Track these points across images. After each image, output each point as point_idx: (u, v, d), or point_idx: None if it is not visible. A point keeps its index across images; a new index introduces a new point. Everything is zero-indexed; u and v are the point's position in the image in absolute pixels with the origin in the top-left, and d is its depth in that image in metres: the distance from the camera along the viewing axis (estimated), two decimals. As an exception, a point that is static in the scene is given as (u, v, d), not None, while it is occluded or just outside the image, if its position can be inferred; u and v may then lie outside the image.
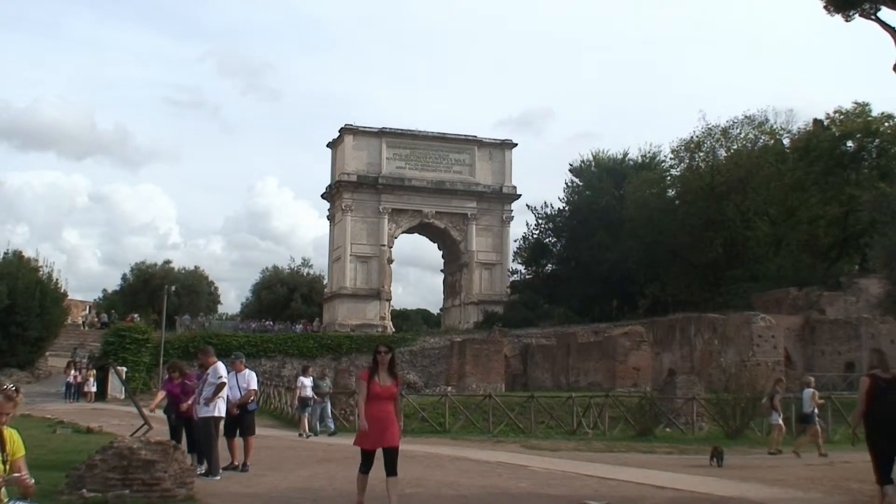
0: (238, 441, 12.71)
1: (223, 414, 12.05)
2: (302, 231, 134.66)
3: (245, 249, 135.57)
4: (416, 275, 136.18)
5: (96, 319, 62.02)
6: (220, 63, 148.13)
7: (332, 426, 22.10)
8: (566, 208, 63.88)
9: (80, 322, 55.49)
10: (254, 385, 12.95)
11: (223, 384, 12.04)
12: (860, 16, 15.58)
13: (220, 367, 12.13)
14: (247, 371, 12.97)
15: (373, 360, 8.91)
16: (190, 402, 12.39)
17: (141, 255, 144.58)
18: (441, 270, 69.95)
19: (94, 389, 35.74)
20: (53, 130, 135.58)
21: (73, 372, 37.35)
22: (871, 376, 9.39)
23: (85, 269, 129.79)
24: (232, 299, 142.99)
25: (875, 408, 9.07)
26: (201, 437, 11.90)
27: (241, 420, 12.59)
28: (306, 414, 21.64)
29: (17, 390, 5.13)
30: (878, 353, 10.06)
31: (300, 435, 20.77)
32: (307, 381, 21.96)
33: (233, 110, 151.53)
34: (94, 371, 36.08)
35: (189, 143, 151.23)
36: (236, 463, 12.53)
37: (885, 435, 8.97)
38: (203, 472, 11.78)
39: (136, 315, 55.40)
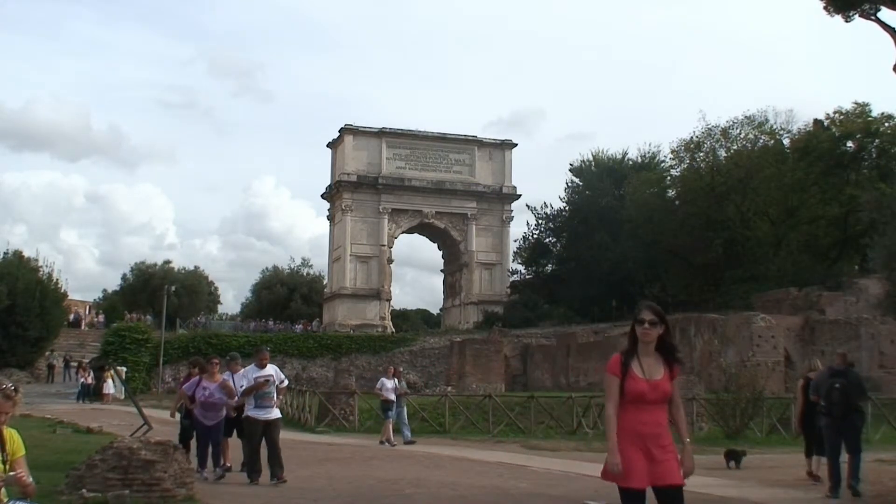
0: (228, 441, 12.66)
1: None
2: (299, 231, 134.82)
3: (242, 250, 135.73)
4: (413, 275, 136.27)
5: (96, 318, 62.00)
6: (216, 64, 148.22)
7: (408, 434, 19.71)
8: (566, 208, 63.85)
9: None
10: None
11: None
12: (860, 16, 15.57)
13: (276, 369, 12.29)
14: (243, 370, 12.84)
15: (629, 336, 5.39)
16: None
17: (138, 255, 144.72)
18: (441, 270, 69.96)
19: (112, 391, 35.53)
20: (48, 131, 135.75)
21: (85, 373, 37.24)
22: (805, 378, 12.43)
23: (83, 269, 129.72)
24: (230, 299, 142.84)
25: (807, 402, 11.94)
26: (277, 440, 11.66)
27: (237, 421, 12.46)
28: (389, 420, 19.41)
29: (16, 390, 5.13)
30: (815, 361, 13.57)
31: (382, 443, 18.91)
32: (389, 384, 19.51)
33: (231, 111, 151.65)
34: (112, 372, 35.83)
35: (185, 144, 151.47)
36: (228, 464, 12.45)
37: (812, 421, 11.84)
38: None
39: (129, 314, 55.46)
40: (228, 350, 18.20)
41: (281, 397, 12.57)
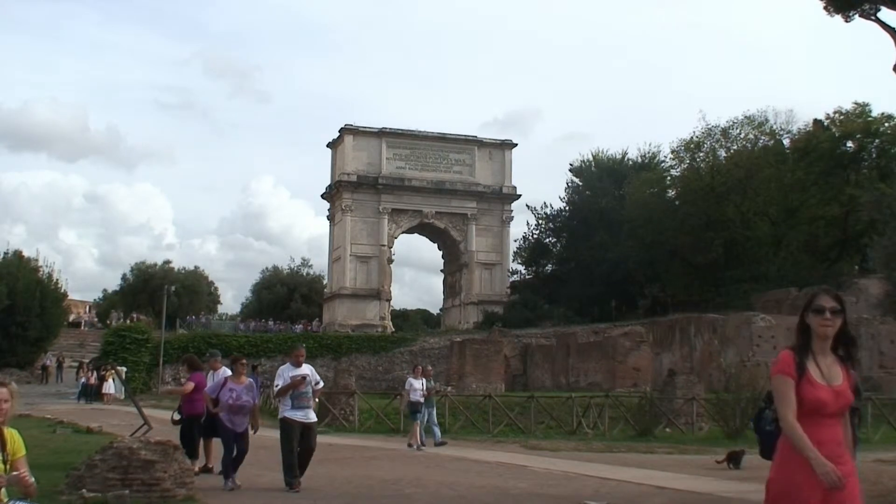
0: (214, 442, 12.27)
1: None
2: (297, 231, 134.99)
3: (240, 250, 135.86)
4: (412, 275, 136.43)
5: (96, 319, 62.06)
6: (213, 65, 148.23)
7: (438, 435, 18.92)
8: (566, 208, 63.85)
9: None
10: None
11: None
12: (860, 16, 15.60)
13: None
14: (224, 368, 12.46)
15: (798, 330, 4.18)
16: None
17: (137, 255, 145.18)
18: (441, 270, 69.96)
19: (112, 391, 35.46)
20: (46, 131, 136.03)
21: (88, 373, 37.18)
22: None
23: (81, 269, 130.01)
24: (229, 299, 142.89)
25: None
26: (314, 446, 11.01)
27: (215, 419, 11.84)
28: (418, 422, 18.41)
29: (6, 384, 5.11)
30: None
31: (410, 446, 18.08)
32: (417, 384, 18.68)
33: (228, 112, 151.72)
34: (114, 372, 35.77)
35: (183, 144, 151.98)
36: (210, 465, 12.17)
37: None
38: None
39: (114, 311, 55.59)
40: (229, 351, 18.13)
41: (316, 400, 11.77)
